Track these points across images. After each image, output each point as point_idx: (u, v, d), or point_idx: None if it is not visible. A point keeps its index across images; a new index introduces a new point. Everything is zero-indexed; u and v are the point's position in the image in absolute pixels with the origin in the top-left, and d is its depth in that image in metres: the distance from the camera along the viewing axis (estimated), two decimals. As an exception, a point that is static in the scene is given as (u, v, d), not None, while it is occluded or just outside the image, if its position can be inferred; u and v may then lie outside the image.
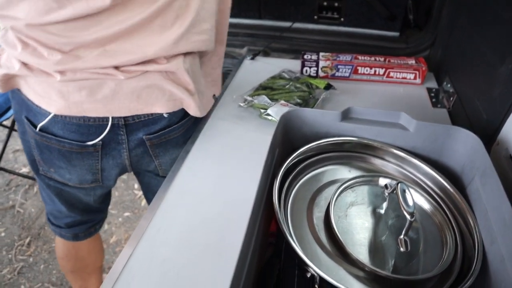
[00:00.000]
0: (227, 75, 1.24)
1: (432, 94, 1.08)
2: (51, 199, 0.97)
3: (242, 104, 1.00)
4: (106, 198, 1.06)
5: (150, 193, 1.07)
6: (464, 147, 0.66)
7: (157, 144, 0.85)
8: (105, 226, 1.91)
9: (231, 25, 1.60)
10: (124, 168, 0.89)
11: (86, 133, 0.77)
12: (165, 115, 0.80)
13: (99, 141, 0.78)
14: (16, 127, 0.91)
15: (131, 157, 0.85)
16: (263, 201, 0.59)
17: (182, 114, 0.85)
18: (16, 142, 2.35)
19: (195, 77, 0.80)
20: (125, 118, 0.76)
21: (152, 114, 0.79)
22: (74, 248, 1.14)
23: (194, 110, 0.81)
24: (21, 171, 2.20)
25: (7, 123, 1.96)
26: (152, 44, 0.70)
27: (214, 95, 0.95)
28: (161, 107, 0.77)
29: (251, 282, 0.56)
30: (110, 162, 0.84)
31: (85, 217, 1.06)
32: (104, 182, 0.90)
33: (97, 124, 0.75)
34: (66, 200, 0.96)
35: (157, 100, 0.76)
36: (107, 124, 0.76)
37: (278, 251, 0.63)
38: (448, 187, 0.64)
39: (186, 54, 0.76)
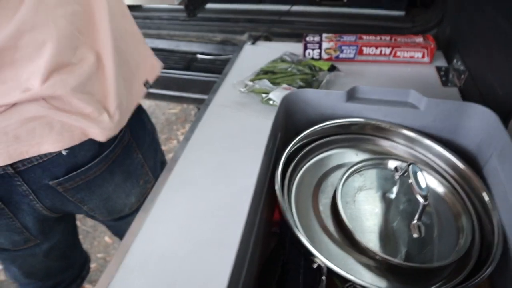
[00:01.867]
0: (226, 62, 1.20)
1: (442, 73, 1.03)
2: (5, 266, 0.86)
3: (242, 90, 0.96)
4: (62, 253, 0.90)
5: (116, 233, 0.97)
6: (479, 124, 0.62)
7: (74, 188, 0.69)
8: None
9: (231, 11, 1.56)
10: (49, 217, 0.75)
11: None
12: (64, 153, 0.63)
13: None
14: None
15: (48, 207, 0.71)
16: (264, 188, 0.56)
17: (98, 145, 0.67)
18: None
19: (94, 92, 0.62)
20: (13, 165, 0.61)
21: (45, 155, 0.62)
22: None
23: (101, 135, 0.63)
24: None
25: None
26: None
27: (146, 82, 0.75)
28: (53, 144, 0.60)
29: (254, 273, 0.53)
30: (28, 217, 0.71)
31: (50, 281, 0.94)
32: (40, 238, 0.78)
33: None
34: (20, 266, 0.85)
35: (43, 136, 0.59)
36: None
37: (283, 241, 0.59)
38: (463, 167, 0.60)
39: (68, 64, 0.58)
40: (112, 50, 0.63)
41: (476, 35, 0.94)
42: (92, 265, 1.70)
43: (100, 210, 0.78)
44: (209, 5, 1.63)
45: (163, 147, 1.11)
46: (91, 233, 1.84)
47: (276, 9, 1.53)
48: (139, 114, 0.79)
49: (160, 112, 2.59)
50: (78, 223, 1.87)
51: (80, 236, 1.81)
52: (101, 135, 0.63)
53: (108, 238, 1.82)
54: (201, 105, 0.97)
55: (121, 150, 0.71)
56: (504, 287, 0.52)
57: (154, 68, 0.78)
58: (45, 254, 0.84)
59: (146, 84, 0.75)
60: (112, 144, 0.69)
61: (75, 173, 0.67)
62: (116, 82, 0.64)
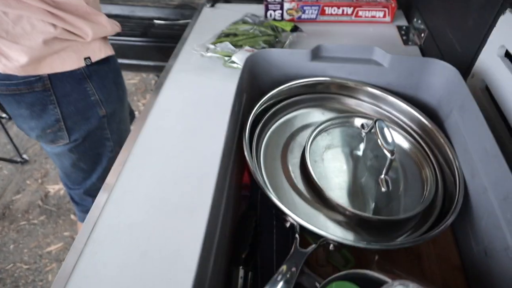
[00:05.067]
0: (185, 27, 1.15)
1: (403, 32, 1.04)
2: None
3: (204, 54, 0.93)
4: None
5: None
6: (440, 80, 0.63)
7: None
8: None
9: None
10: None
11: None
12: None
13: None
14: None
15: None
16: (232, 151, 0.54)
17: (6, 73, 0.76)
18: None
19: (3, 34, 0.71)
20: None
21: None
22: None
23: (0, 67, 0.75)
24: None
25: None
26: None
27: (88, 58, 0.83)
28: None
29: (227, 237, 0.52)
30: None
31: None
32: None
33: None
34: None
35: None
36: None
37: (254, 203, 0.59)
38: (426, 122, 0.61)
39: None
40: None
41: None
42: (59, 244, 1.66)
43: (18, 123, 0.87)
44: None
45: (123, 118, 1.08)
46: (55, 211, 1.78)
47: (235, -30, 1.47)
48: (80, 83, 0.83)
49: (118, 83, 2.49)
50: (40, 202, 1.81)
51: (44, 216, 1.76)
52: (0, 67, 0.74)
53: (73, 216, 1.76)
54: (161, 72, 0.94)
55: (27, 91, 0.79)
56: (465, 233, 0.54)
57: (101, 50, 0.83)
58: None
59: (87, 59, 0.81)
60: (16, 79, 0.76)
61: None
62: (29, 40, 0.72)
